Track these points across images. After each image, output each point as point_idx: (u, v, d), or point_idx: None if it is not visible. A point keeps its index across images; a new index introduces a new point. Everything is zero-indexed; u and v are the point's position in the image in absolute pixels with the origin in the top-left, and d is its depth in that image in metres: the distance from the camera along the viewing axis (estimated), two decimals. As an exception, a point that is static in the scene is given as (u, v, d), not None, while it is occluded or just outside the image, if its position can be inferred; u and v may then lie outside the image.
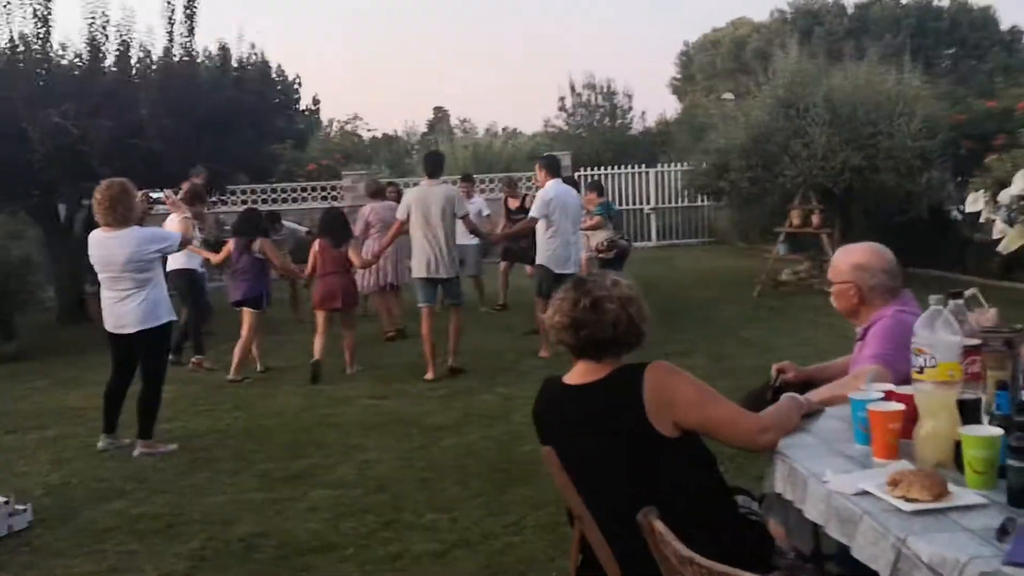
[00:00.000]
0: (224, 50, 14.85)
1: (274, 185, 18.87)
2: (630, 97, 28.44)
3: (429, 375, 8.29)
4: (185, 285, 9.38)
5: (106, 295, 6.41)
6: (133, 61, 12.43)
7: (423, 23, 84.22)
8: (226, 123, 12.79)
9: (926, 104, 12.42)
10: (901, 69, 13.00)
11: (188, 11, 12.89)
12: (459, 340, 8.47)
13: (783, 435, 2.83)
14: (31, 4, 11.54)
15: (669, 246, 20.97)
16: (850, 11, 32.88)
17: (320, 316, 8.75)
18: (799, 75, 12.94)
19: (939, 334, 2.54)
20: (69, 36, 14.98)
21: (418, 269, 8.27)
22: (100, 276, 6.41)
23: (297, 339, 10.33)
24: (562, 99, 28.81)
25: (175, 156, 11.28)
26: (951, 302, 2.65)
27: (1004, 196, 7.92)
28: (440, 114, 48.66)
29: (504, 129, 38.16)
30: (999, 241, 8.49)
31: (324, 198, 18.94)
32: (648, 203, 21.55)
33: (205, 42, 20.40)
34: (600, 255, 10.75)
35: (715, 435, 2.83)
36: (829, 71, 13.45)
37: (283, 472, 5.83)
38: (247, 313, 8.74)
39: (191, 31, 12.96)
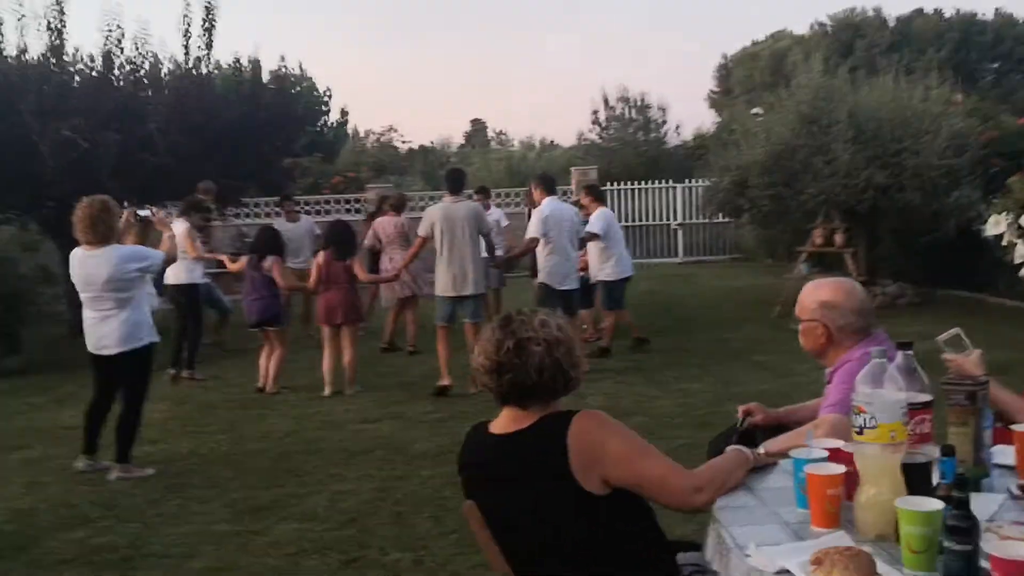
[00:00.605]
0: (249, 63, 14.78)
1: (296, 197, 18.69)
2: (664, 110, 28.09)
3: (444, 381, 8.20)
4: (184, 300, 9.26)
5: (87, 315, 6.30)
6: (146, 75, 12.37)
7: (462, 37, 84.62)
8: (240, 137, 12.68)
9: (954, 120, 11.96)
10: (932, 84, 12.55)
11: (206, 25, 12.81)
12: None
13: (721, 494, 2.56)
14: (45, 17, 11.54)
15: (695, 263, 20.62)
16: (892, 24, 32.32)
17: (326, 331, 8.62)
18: (823, 90, 12.54)
19: (880, 390, 2.26)
20: (83, 49, 14.92)
21: (443, 287, 8.14)
22: (81, 296, 6.30)
23: (304, 357, 10.15)
24: (595, 112, 28.52)
25: (185, 171, 11.19)
26: (900, 354, 2.38)
27: (1026, 219, 7.61)
28: (477, 126, 48.75)
29: (541, 141, 38.02)
30: (1022, 265, 8.17)
31: (348, 211, 18.81)
32: (675, 219, 21.20)
33: (227, 56, 20.45)
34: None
35: (645, 493, 2.57)
36: (856, 86, 13.05)
37: (253, 502, 5.62)
38: (273, 333, 8.72)
39: (209, 45, 12.88)
